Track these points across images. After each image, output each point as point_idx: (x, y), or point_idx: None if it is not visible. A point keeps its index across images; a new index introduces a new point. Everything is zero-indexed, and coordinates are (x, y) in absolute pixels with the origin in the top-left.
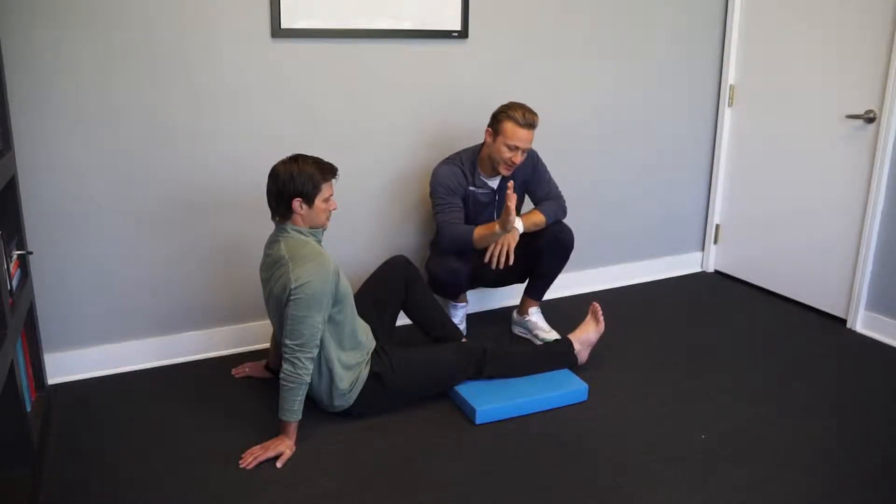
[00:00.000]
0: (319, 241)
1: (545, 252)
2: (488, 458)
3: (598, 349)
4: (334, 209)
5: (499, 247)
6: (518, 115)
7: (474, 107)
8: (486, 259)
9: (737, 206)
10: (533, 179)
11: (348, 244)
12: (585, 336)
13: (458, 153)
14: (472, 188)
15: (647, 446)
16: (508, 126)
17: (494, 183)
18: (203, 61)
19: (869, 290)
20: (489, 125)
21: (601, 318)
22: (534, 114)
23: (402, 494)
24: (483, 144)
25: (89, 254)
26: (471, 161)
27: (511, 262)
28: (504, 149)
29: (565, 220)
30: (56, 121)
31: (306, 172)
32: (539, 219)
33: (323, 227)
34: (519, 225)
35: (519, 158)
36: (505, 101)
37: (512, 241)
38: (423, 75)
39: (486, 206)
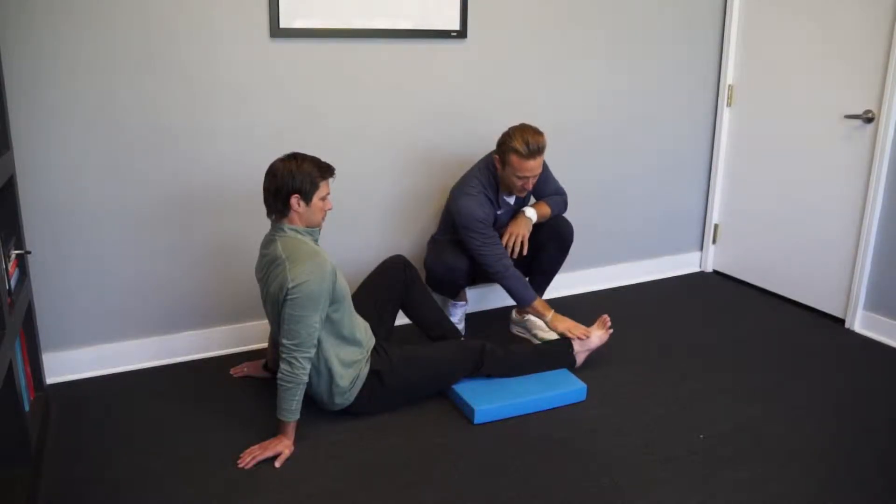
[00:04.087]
0: (316, 241)
1: (546, 244)
2: (487, 457)
3: (596, 349)
4: (330, 209)
5: (513, 237)
6: (521, 146)
7: (473, 106)
8: None
9: (735, 205)
10: (541, 178)
11: (347, 243)
12: (587, 340)
13: (474, 178)
14: (498, 212)
15: (646, 446)
16: (514, 159)
17: (512, 199)
18: (202, 61)
19: (867, 290)
20: (496, 152)
21: (608, 331)
22: (539, 136)
23: (401, 494)
24: (492, 159)
25: (88, 253)
26: (492, 186)
27: (525, 251)
28: (515, 179)
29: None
30: (55, 120)
31: (305, 170)
32: (546, 210)
33: (319, 227)
34: (532, 214)
35: (532, 184)
36: (503, 101)
37: (525, 231)
38: (421, 75)
39: (506, 222)
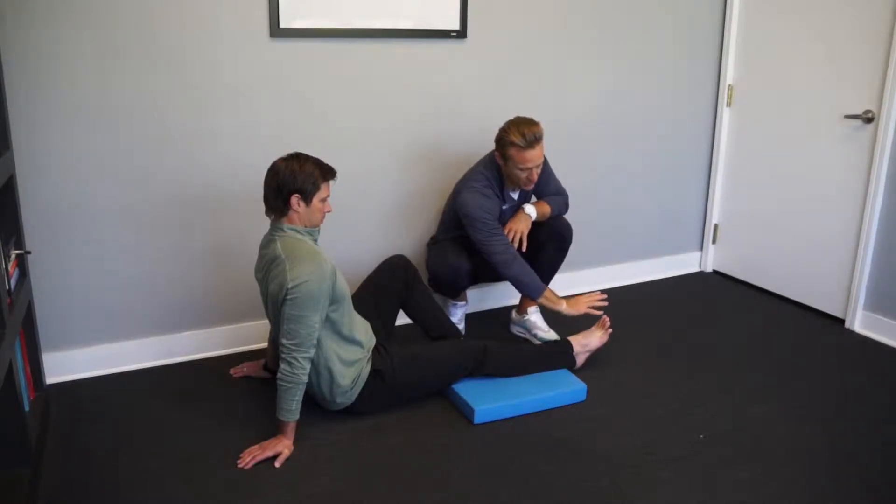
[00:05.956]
0: (315, 241)
1: (545, 245)
2: (487, 457)
3: (596, 349)
4: (329, 211)
5: (512, 233)
6: (518, 138)
7: (473, 106)
8: None
9: (735, 206)
10: (542, 178)
11: (347, 244)
12: (587, 341)
13: (479, 174)
14: (503, 207)
15: (646, 446)
16: (513, 153)
17: (516, 195)
18: (202, 61)
19: (867, 290)
20: (496, 149)
21: (608, 332)
22: (535, 125)
23: (401, 494)
24: (494, 156)
25: (87, 253)
26: (497, 180)
27: (524, 248)
28: (518, 172)
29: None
30: (55, 120)
31: (307, 170)
32: (546, 210)
33: (318, 228)
34: (532, 212)
35: (536, 174)
36: (503, 101)
37: (525, 227)
38: (421, 75)
39: (508, 216)
